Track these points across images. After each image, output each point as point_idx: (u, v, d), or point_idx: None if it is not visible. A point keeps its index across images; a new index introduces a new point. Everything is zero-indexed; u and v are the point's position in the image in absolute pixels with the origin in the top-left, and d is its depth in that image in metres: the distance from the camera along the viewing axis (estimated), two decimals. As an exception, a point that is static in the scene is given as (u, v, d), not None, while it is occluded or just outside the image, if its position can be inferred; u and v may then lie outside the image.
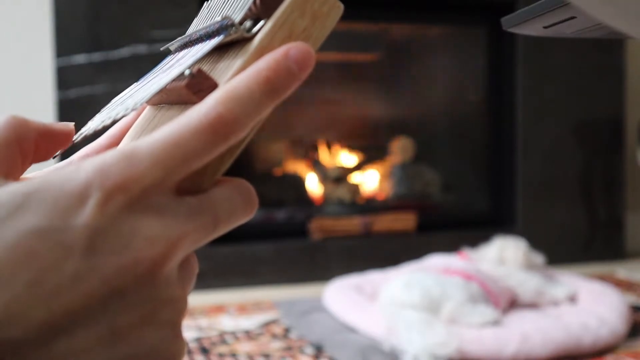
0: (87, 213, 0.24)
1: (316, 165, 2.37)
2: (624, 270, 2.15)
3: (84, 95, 1.83)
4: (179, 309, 0.27)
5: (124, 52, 1.85)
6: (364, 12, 2.16)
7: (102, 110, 0.37)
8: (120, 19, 1.85)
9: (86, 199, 0.25)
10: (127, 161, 0.25)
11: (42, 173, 0.35)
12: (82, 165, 0.25)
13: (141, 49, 1.85)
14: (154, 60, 1.84)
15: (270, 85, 0.28)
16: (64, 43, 1.81)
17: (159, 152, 0.26)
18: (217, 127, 0.27)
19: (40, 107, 1.90)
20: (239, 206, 0.29)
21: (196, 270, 0.30)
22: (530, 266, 1.67)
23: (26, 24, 1.91)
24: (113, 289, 0.25)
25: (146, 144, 0.26)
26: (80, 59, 1.82)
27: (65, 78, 1.82)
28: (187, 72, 0.30)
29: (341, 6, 0.31)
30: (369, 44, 2.47)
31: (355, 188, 2.36)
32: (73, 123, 0.36)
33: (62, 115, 1.82)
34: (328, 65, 2.38)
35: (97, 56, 1.83)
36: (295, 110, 2.38)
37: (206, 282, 1.93)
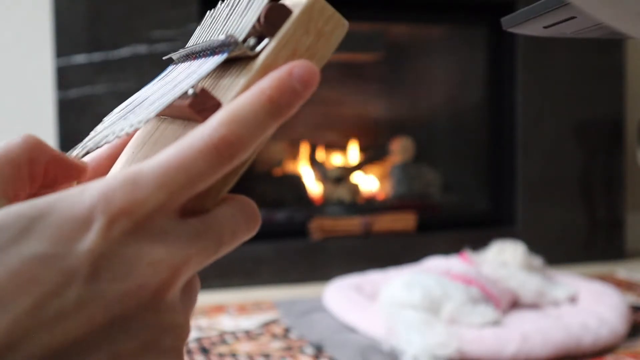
0: (90, 239, 0.24)
1: (316, 165, 2.37)
2: (624, 270, 2.15)
3: (84, 95, 1.83)
4: (182, 335, 0.27)
5: (124, 52, 1.85)
6: (364, 12, 2.16)
7: (104, 120, 0.37)
8: (120, 19, 1.85)
9: (90, 224, 0.25)
10: (131, 185, 0.25)
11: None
12: (87, 190, 0.25)
13: (141, 49, 1.85)
14: (154, 60, 1.84)
15: (274, 105, 0.28)
16: (64, 43, 1.81)
17: (163, 175, 0.26)
18: (221, 149, 0.27)
19: (40, 107, 1.90)
20: (241, 225, 0.29)
21: (198, 291, 0.30)
22: (530, 267, 1.67)
23: (26, 24, 1.91)
24: (116, 315, 0.25)
25: (150, 167, 0.26)
26: (80, 59, 1.82)
27: (65, 78, 1.82)
28: (190, 91, 0.30)
29: (346, 24, 0.31)
30: (369, 44, 2.47)
31: (355, 188, 2.36)
32: (83, 144, 0.35)
33: (62, 115, 1.82)
34: (328, 65, 2.36)
35: (97, 56, 1.83)
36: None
37: (206, 282, 1.93)
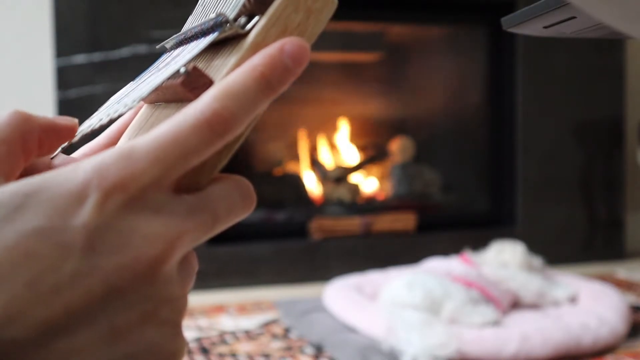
0: (85, 213, 0.25)
1: (316, 165, 2.37)
2: (624, 270, 2.15)
3: (84, 95, 1.83)
4: (179, 307, 0.27)
5: (124, 52, 1.85)
6: (364, 12, 2.16)
7: (99, 109, 0.37)
8: (120, 19, 1.85)
9: (85, 199, 0.25)
10: (125, 160, 0.26)
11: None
12: (81, 165, 0.25)
13: (141, 49, 1.85)
14: (154, 60, 1.83)
15: (265, 81, 0.28)
16: (64, 43, 1.81)
17: (157, 150, 0.26)
18: (214, 124, 0.27)
19: (40, 107, 1.90)
20: (237, 202, 0.29)
21: (196, 268, 0.30)
22: (529, 267, 1.67)
23: (26, 24, 1.91)
24: (112, 287, 0.25)
25: (144, 142, 0.26)
26: (80, 59, 1.82)
27: (65, 78, 1.82)
28: (182, 69, 0.30)
29: (335, 1, 0.31)
30: (369, 44, 2.47)
31: (355, 188, 2.36)
32: (80, 130, 0.36)
33: (62, 115, 1.82)
34: (328, 65, 2.38)
35: (97, 56, 1.83)
36: (295, 110, 2.38)
37: (206, 282, 1.93)
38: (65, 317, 0.24)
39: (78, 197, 0.25)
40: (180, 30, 0.38)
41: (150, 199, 0.26)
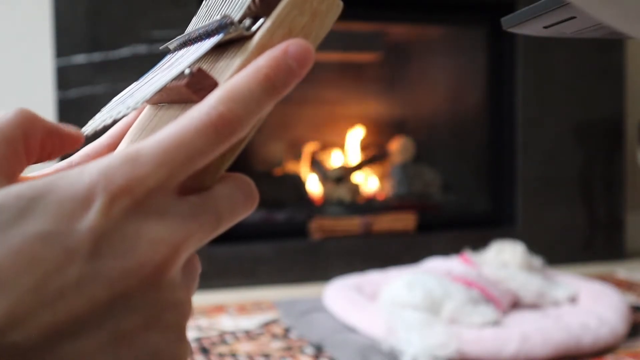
0: (91, 217, 0.24)
1: (316, 165, 2.37)
2: (624, 270, 2.15)
3: (84, 95, 1.83)
4: (184, 312, 0.27)
5: (124, 52, 1.85)
6: (364, 12, 2.16)
7: (102, 109, 0.37)
8: (120, 19, 1.85)
9: (91, 203, 0.25)
10: (131, 163, 0.26)
11: (44, 174, 0.34)
12: (87, 169, 0.25)
13: (141, 49, 1.85)
14: (154, 60, 1.83)
15: (269, 83, 0.28)
16: (64, 43, 1.81)
17: (163, 153, 0.26)
18: (219, 126, 0.27)
19: (40, 107, 1.90)
20: (240, 202, 0.30)
21: (199, 270, 0.30)
22: (529, 267, 1.67)
23: (26, 24, 1.91)
24: (117, 292, 0.25)
25: (149, 145, 0.26)
26: (80, 59, 1.82)
27: (65, 78, 1.82)
28: (187, 71, 0.30)
29: (340, 4, 0.31)
30: (369, 44, 2.47)
31: (355, 188, 2.36)
32: (83, 130, 0.35)
33: (62, 115, 1.82)
34: (328, 65, 2.38)
35: (97, 56, 1.83)
36: (295, 110, 2.38)
37: (206, 282, 1.93)
38: (70, 322, 0.24)
39: (84, 201, 0.25)
40: (180, 30, 0.38)
41: (155, 203, 0.26)
